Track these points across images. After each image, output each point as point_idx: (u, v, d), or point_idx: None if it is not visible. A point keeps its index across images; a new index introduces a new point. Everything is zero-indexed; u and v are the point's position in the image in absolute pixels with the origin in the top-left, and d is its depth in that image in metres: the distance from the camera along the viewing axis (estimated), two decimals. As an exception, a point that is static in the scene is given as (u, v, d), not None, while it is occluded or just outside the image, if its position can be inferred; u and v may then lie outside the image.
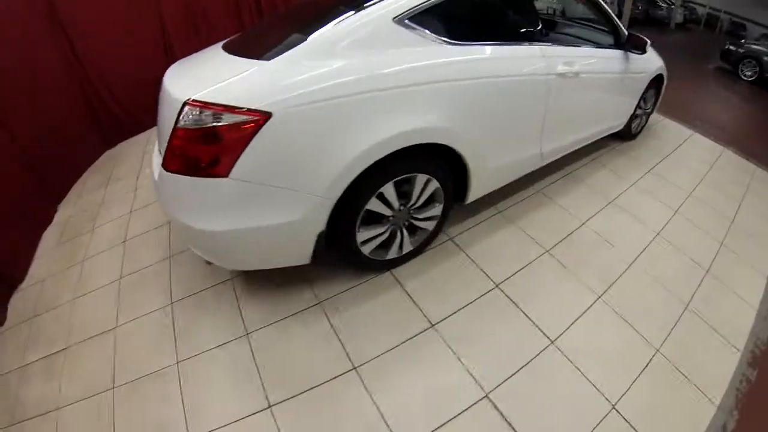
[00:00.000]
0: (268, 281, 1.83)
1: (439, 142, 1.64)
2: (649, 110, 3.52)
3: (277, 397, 1.39)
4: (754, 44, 8.55)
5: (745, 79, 7.78)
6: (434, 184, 1.78)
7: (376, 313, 1.72)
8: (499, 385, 1.49)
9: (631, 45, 2.72)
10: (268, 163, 1.30)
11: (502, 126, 1.96)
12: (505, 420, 1.38)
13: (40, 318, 1.92)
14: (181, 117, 1.26)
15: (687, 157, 3.50)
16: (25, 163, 2.55)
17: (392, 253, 1.85)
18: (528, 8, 2.18)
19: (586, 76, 2.38)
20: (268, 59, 1.37)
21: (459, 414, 1.38)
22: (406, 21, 1.55)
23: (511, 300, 1.85)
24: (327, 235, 1.54)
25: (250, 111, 1.23)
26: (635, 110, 3.20)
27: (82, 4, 3.19)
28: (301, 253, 1.54)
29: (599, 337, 1.76)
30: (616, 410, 1.50)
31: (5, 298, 2.05)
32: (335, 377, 1.46)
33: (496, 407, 1.42)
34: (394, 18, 1.52)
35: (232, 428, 1.30)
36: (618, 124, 3.11)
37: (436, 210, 1.88)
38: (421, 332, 1.64)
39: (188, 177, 1.28)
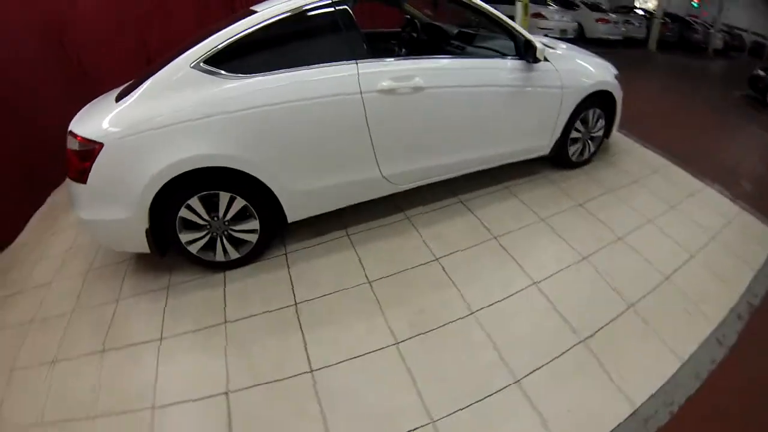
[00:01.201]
0: (148, 265, 2.25)
1: (224, 165, 1.84)
2: (596, 134, 2.99)
3: (107, 346, 1.82)
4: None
5: (777, 108, 6.84)
6: (241, 202, 1.96)
7: (197, 303, 1.98)
8: (245, 388, 1.57)
9: (529, 53, 2.34)
10: (106, 176, 1.77)
11: (307, 149, 1.97)
12: (229, 418, 1.48)
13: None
14: (67, 142, 1.82)
15: (643, 193, 2.90)
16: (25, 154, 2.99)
17: (219, 257, 2.09)
18: (343, 26, 1.98)
19: (443, 90, 2.11)
20: (118, 103, 1.84)
21: (197, 400, 1.55)
22: (202, 65, 1.82)
23: (299, 322, 1.83)
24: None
25: (92, 141, 1.73)
26: (567, 133, 2.73)
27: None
28: (139, 243, 1.94)
29: (371, 387, 1.53)
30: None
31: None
32: (145, 342, 1.82)
33: (229, 405, 1.52)
34: (191, 64, 1.82)
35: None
36: (536, 147, 2.69)
37: (254, 224, 2.05)
38: (215, 325, 1.85)
39: (73, 182, 1.82)
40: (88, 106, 2.07)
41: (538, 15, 8.94)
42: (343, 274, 2.04)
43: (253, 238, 2.08)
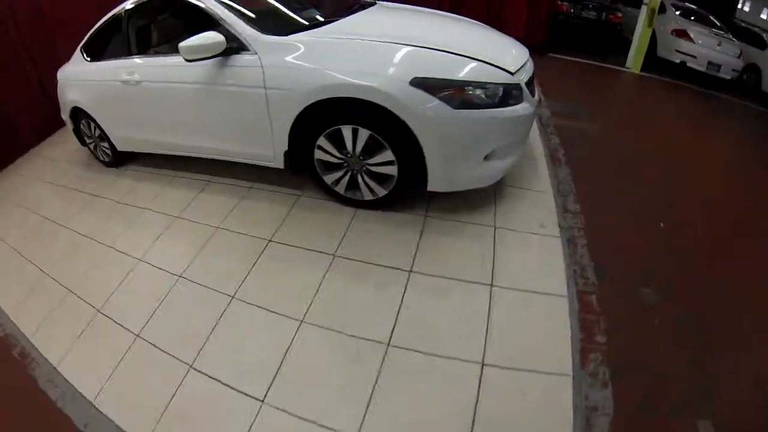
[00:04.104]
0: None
1: (82, 107, 3.23)
2: (378, 169, 2.15)
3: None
4: None
5: None
6: (98, 130, 3.28)
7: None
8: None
9: None
10: (60, 98, 3.51)
11: (106, 111, 3.10)
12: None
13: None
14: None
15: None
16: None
17: (102, 158, 3.59)
18: (124, 30, 2.85)
19: (152, 84, 2.61)
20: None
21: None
22: (81, 50, 3.25)
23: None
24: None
25: (57, 79, 3.48)
26: (303, 148, 2.24)
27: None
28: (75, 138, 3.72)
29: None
30: None
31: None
32: None
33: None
34: (79, 48, 3.26)
35: None
36: (260, 155, 2.41)
37: (107, 145, 3.35)
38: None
39: None
40: None
41: (682, 33, 6.40)
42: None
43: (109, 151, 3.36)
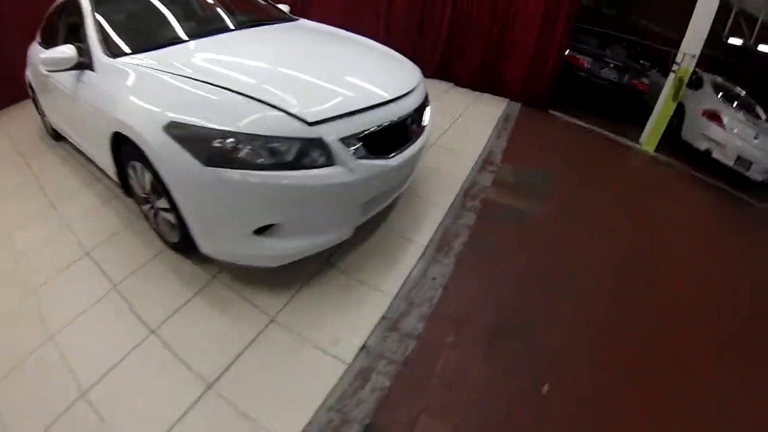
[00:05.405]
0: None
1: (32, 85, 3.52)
2: (162, 209, 2.03)
3: None
4: None
5: None
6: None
7: None
8: None
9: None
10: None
11: (41, 92, 3.39)
12: None
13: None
14: None
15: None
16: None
17: None
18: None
19: (51, 80, 2.78)
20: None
21: None
22: (39, 31, 3.46)
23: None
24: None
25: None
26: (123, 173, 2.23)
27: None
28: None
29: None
30: None
31: None
32: None
33: None
34: (39, 29, 3.46)
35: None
36: (107, 169, 2.42)
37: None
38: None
39: None
40: None
41: (713, 116, 5.55)
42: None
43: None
